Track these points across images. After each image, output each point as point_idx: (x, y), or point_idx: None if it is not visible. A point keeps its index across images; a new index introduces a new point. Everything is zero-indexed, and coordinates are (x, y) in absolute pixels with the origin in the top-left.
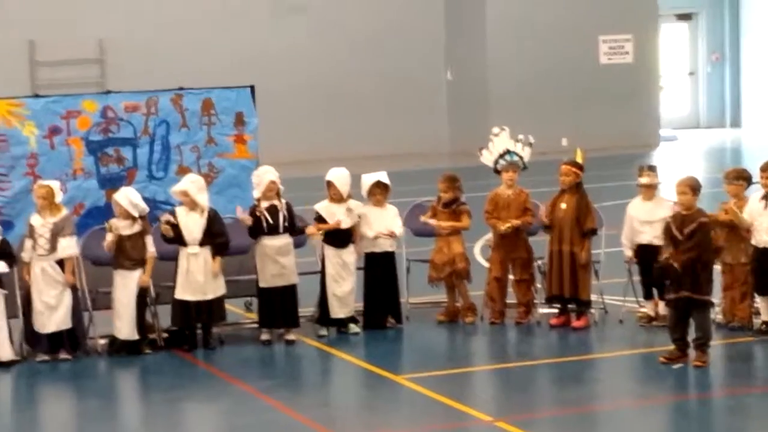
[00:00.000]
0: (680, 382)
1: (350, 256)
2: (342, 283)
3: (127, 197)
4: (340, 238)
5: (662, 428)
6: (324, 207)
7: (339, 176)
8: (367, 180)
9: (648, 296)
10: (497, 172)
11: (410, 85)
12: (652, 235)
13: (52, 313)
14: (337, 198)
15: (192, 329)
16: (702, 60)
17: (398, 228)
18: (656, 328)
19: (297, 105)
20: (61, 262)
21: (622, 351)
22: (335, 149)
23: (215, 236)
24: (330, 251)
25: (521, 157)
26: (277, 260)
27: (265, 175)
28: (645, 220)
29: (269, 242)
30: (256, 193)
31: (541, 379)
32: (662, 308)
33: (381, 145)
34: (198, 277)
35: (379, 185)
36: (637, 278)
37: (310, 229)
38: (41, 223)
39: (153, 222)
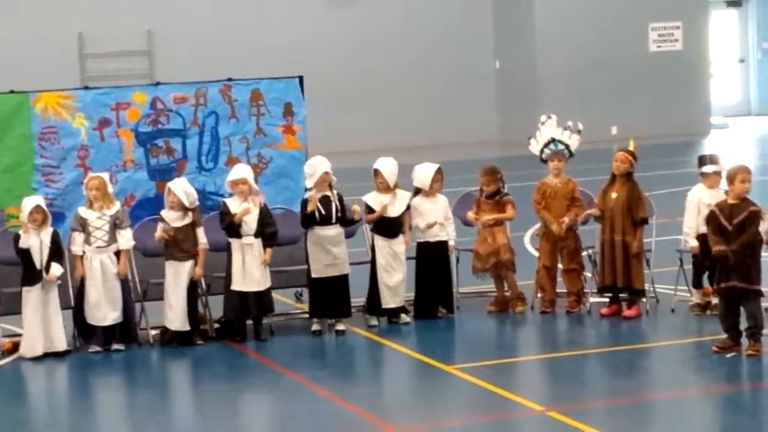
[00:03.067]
0: (734, 372)
1: (400, 246)
2: (393, 273)
3: (182, 187)
4: (390, 228)
5: (715, 418)
6: (372, 197)
7: (386, 165)
8: (428, 170)
9: (698, 285)
10: (543, 161)
11: (459, 75)
12: None
13: (111, 305)
14: (384, 187)
15: (243, 320)
16: (752, 47)
17: (448, 219)
18: (708, 317)
19: (345, 95)
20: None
21: (673, 340)
22: (383, 139)
23: (266, 226)
24: (380, 241)
25: (567, 146)
26: (329, 250)
27: (319, 166)
28: None
29: (322, 232)
30: (309, 183)
31: (592, 368)
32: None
33: (429, 135)
34: (254, 268)
35: (439, 171)
36: (687, 267)
37: (363, 215)
38: (97, 216)
39: (204, 213)
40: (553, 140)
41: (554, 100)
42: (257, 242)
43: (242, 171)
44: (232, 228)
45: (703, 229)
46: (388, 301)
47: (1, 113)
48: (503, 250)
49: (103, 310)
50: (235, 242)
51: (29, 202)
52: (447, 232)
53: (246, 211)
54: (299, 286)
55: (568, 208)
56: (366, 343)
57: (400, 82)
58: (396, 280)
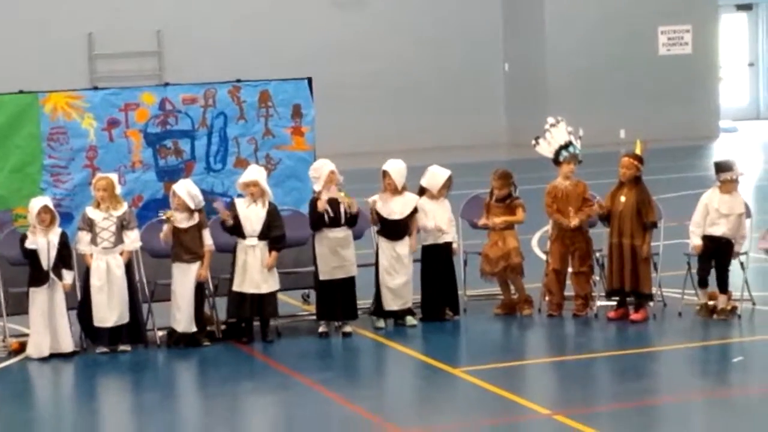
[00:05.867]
0: (740, 376)
1: (404, 248)
2: (395, 276)
3: (186, 188)
4: (393, 230)
5: (722, 422)
6: (378, 199)
7: (395, 167)
8: (441, 174)
9: (703, 284)
10: (557, 163)
11: (468, 77)
12: (728, 228)
13: (115, 307)
14: (392, 189)
15: (249, 321)
16: (762, 50)
17: (451, 221)
18: (714, 321)
19: (354, 97)
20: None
21: (681, 344)
22: (392, 141)
23: (272, 230)
24: (384, 243)
25: (579, 150)
26: (338, 252)
27: (323, 167)
28: (724, 213)
29: (331, 234)
30: (317, 187)
31: (599, 372)
32: (722, 301)
33: (438, 137)
34: (254, 270)
35: (450, 179)
36: (695, 270)
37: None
38: (104, 216)
39: (210, 214)
40: (570, 143)
41: (563, 103)
42: (261, 244)
43: (254, 173)
44: (226, 229)
45: (710, 230)
46: (391, 304)
47: (11, 113)
48: (513, 253)
49: (107, 311)
50: (239, 243)
51: (36, 203)
52: (451, 234)
53: (226, 215)
54: (306, 288)
55: (580, 209)
56: (372, 345)
57: (409, 85)
58: (398, 282)
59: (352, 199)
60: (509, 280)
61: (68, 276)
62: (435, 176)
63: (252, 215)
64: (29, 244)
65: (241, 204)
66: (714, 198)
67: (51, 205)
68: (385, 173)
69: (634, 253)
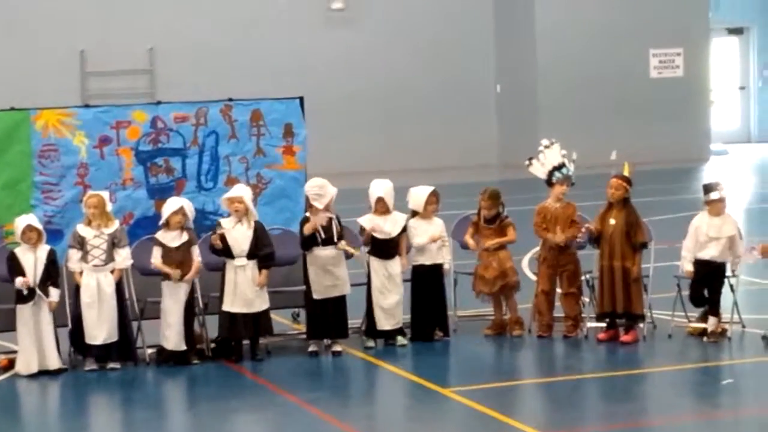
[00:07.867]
0: (730, 398)
1: (395, 267)
2: (388, 295)
3: (189, 205)
4: (386, 249)
5: None
6: (368, 220)
7: (386, 189)
8: (422, 192)
9: (698, 304)
10: (550, 184)
11: (459, 97)
12: (718, 251)
13: (105, 324)
14: (383, 210)
15: (239, 340)
16: (753, 74)
17: (444, 242)
18: (705, 343)
19: (345, 116)
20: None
21: (670, 366)
22: (383, 161)
23: (261, 248)
24: (376, 263)
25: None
26: (331, 271)
27: (329, 187)
28: (713, 236)
29: (323, 253)
30: (320, 205)
31: (589, 393)
32: (711, 324)
33: (429, 157)
34: (246, 290)
35: (434, 194)
36: (685, 292)
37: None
38: (95, 234)
39: (201, 233)
40: (563, 165)
41: (555, 124)
42: (250, 264)
43: (240, 190)
44: (215, 251)
45: (699, 254)
46: (384, 324)
47: (2, 130)
48: (510, 272)
49: (97, 329)
50: (228, 263)
51: (21, 222)
52: (442, 255)
53: (216, 239)
54: (296, 307)
55: (567, 230)
56: (362, 364)
57: (400, 104)
58: (391, 301)
59: (357, 250)
60: (504, 298)
61: (54, 294)
62: (417, 196)
63: (239, 235)
64: (19, 285)
65: (227, 224)
66: (703, 222)
67: (36, 223)
68: (379, 198)
69: (626, 275)
